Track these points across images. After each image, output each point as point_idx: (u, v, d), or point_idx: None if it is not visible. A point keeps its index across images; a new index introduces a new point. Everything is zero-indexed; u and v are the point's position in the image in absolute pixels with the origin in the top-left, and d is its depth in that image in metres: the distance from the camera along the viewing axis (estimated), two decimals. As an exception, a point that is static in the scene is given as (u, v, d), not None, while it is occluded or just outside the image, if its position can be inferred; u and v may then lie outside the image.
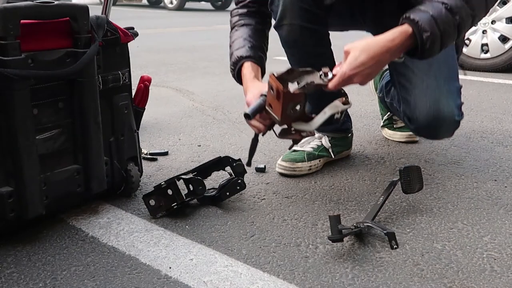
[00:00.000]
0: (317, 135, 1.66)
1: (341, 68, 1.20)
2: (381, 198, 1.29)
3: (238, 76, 1.48)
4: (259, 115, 1.30)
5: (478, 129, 2.09)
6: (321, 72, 1.23)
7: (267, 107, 1.27)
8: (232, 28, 1.55)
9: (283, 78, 1.19)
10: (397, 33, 1.18)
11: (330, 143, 1.65)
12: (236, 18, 1.55)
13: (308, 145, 1.63)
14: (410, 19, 1.17)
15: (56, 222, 1.25)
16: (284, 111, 1.22)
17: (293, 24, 1.42)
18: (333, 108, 1.27)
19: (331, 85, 1.21)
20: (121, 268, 1.06)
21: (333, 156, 1.64)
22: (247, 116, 1.29)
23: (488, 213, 1.33)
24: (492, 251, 1.14)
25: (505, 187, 1.50)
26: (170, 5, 10.64)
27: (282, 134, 1.31)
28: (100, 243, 1.16)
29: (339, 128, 1.68)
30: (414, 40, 1.17)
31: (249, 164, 1.37)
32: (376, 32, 1.26)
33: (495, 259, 1.10)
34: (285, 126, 1.29)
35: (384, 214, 1.32)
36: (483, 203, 1.39)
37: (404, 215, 1.31)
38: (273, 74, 1.20)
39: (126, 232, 1.21)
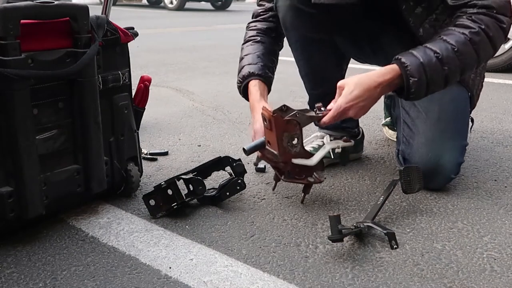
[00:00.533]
0: (319, 133, 1.65)
1: (336, 102, 1.25)
2: (381, 198, 1.29)
3: (244, 91, 1.51)
4: (265, 152, 1.33)
5: (478, 129, 2.09)
6: (315, 108, 1.29)
7: (267, 146, 1.31)
8: (246, 41, 1.58)
9: (276, 113, 1.24)
10: (389, 69, 1.24)
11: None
12: (253, 33, 1.57)
13: (310, 144, 1.61)
14: (401, 61, 1.23)
15: (56, 222, 1.25)
16: (280, 141, 1.25)
17: (287, 4, 1.42)
18: (333, 143, 1.37)
19: (326, 118, 1.26)
20: (121, 268, 1.06)
21: (332, 157, 1.63)
22: (245, 152, 1.33)
23: (488, 213, 1.33)
24: (492, 251, 1.14)
25: (505, 187, 1.50)
26: (170, 5, 10.64)
27: (287, 177, 1.32)
28: (100, 243, 1.16)
29: (339, 126, 1.64)
30: (402, 81, 1.24)
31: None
32: (377, 62, 1.31)
33: (495, 259, 1.10)
34: (287, 166, 1.30)
35: (384, 214, 1.32)
36: (483, 203, 1.39)
37: (404, 215, 1.31)
38: (265, 107, 1.27)
39: (126, 232, 1.21)
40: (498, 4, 1.26)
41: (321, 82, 1.57)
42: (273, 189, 1.43)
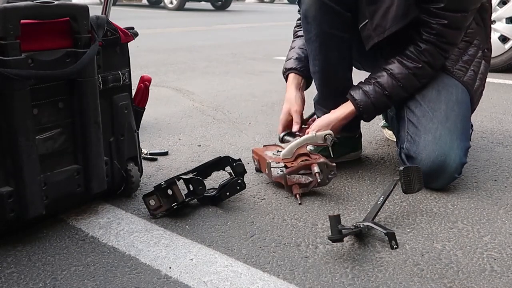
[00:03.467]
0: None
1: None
2: (381, 198, 1.29)
3: (286, 80, 1.71)
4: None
5: (478, 129, 2.09)
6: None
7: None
8: (293, 35, 1.77)
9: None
10: (346, 108, 1.52)
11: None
12: (296, 29, 1.77)
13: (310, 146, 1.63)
14: (355, 101, 1.49)
15: (56, 222, 1.25)
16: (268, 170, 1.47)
17: None
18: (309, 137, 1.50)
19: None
20: (121, 268, 1.06)
21: (331, 155, 1.63)
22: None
23: (488, 213, 1.33)
24: (492, 251, 1.14)
25: (505, 187, 1.50)
26: (170, 5, 10.64)
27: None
28: (100, 243, 1.16)
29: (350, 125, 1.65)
30: (356, 114, 1.52)
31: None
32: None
33: (495, 259, 1.10)
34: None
35: (384, 214, 1.32)
36: (483, 203, 1.39)
37: (404, 215, 1.31)
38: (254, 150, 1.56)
39: (126, 232, 1.21)
40: (450, 34, 1.42)
41: (333, 80, 1.58)
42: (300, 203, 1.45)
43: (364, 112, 1.49)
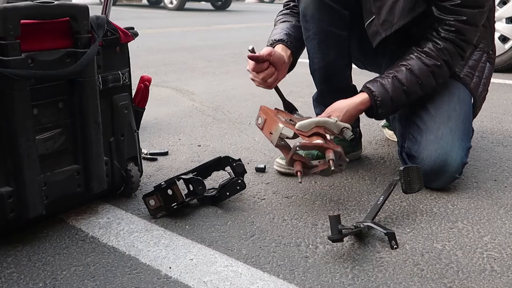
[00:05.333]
0: None
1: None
2: (381, 198, 1.29)
3: None
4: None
5: (478, 129, 2.09)
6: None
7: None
8: (274, 25, 1.67)
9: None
10: (361, 100, 1.43)
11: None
12: (280, 17, 1.68)
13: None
14: (372, 93, 1.42)
15: (56, 222, 1.25)
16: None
17: None
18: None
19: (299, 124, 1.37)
20: (121, 268, 1.06)
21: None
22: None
23: (488, 213, 1.33)
24: (492, 251, 1.14)
25: (505, 187, 1.50)
26: (170, 5, 10.64)
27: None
28: (100, 243, 1.16)
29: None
30: (371, 108, 1.44)
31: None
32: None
33: (495, 259, 1.10)
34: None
35: (384, 214, 1.32)
36: (483, 203, 1.39)
37: (404, 215, 1.31)
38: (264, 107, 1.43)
39: (126, 232, 1.21)
40: (468, 31, 1.40)
41: (332, 78, 1.57)
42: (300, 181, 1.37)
43: (381, 106, 1.42)
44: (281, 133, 1.31)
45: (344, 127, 1.36)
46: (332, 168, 1.28)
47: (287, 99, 1.56)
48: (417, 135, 1.46)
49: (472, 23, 1.39)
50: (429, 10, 1.40)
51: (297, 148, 1.29)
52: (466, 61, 1.54)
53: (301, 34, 1.56)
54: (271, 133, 1.34)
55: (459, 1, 1.35)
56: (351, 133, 1.37)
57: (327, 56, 1.53)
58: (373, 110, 1.44)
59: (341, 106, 1.42)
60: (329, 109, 1.43)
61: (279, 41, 1.54)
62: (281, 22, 1.64)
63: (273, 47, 1.52)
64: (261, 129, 1.40)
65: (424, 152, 1.42)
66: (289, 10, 1.66)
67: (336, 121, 1.37)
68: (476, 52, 1.56)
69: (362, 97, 1.43)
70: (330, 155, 1.28)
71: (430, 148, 1.42)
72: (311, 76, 1.61)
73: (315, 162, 1.34)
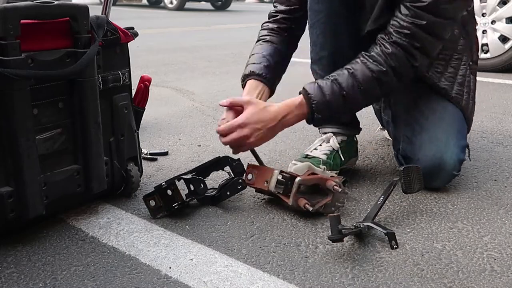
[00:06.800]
0: (324, 136, 1.57)
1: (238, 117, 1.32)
2: (381, 198, 1.29)
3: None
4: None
5: (478, 129, 2.09)
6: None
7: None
8: (258, 40, 1.59)
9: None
10: (296, 105, 1.34)
11: (338, 145, 1.54)
12: (265, 32, 1.58)
13: (320, 151, 1.52)
14: (308, 96, 1.33)
15: (56, 222, 1.25)
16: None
17: None
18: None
19: (221, 127, 1.33)
20: (121, 268, 1.06)
21: (342, 159, 1.54)
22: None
23: (488, 213, 1.33)
24: (492, 251, 1.14)
25: (505, 187, 1.50)
26: (170, 5, 10.64)
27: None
28: (100, 243, 1.16)
29: (338, 120, 1.57)
30: (307, 114, 1.35)
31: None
32: None
33: (495, 259, 1.10)
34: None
35: (384, 214, 1.32)
36: (483, 203, 1.39)
37: (404, 215, 1.31)
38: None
39: (126, 232, 1.21)
40: (425, 40, 1.30)
41: (342, 65, 1.44)
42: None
43: (317, 111, 1.33)
44: (278, 179, 1.29)
45: (336, 185, 1.28)
46: (339, 190, 1.26)
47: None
48: (411, 136, 1.46)
49: (432, 32, 1.29)
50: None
51: (300, 184, 1.26)
52: (454, 77, 1.48)
53: (280, 60, 1.51)
54: (267, 181, 1.32)
55: (425, 3, 1.25)
56: (342, 192, 1.29)
57: (339, 40, 1.46)
58: (309, 114, 1.35)
59: (265, 116, 1.31)
60: (246, 120, 1.30)
61: (254, 75, 1.47)
62: (265, 42, 1.56)
63: (248, 80, 1.48)
64: (253, 184, 1.36)
65: (419, 152, 1.42)
66: (276, 25, 1.57)
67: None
68: (461, 67, 1.50)
69: (297, 100, 1.35)
70: (332, 183, 1.28)
71: (425, 148, 1.41)
72: (312, 76, 1.60)
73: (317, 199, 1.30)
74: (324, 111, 1.34)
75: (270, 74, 1.49)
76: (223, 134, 1.33)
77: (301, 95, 1.35)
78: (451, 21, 1.34)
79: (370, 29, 1.38)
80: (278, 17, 1.58)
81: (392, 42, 1.30)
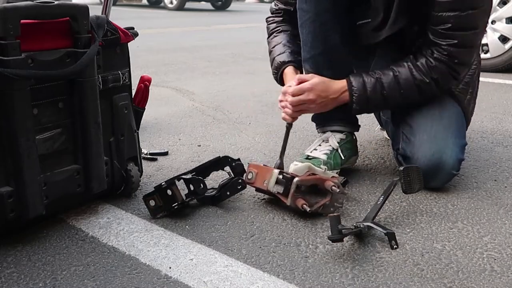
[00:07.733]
0: (323, 135, 1.58)
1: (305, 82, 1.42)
2: (381, 198, 1.29)
3: (280, 80, 1.61)
4: None
5: (478, 129, 2.09)
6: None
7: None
8: (270, 35, 1.68)
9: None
10: (342, 88, 1.43)
11: (338, 143, 1.55)
12: (274, 26, 1.68)
13: (320, 151, 1.53)
14: (351, 85, 1.42)
15: (56, 222, 1.25)
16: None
17: None
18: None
19: (292, 89, 1.42)
20: (121, 268, 1.06)
21: (342, 157, 1.55)
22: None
23: (488, 213, 1.33)
24: (492, 251, 1.14)
25: (505, 187, 1.50)
26: (170, 5, 10.63)
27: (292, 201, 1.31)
28: (100, 243, 1.16)
29: (337, 117, 1.57)
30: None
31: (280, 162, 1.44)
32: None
33: (495, 259, 1.10)
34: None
35: (384, 214, 1.32)
36: (483, 203, 1.39)
37: (404, 215, 1.31)
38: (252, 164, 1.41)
39: (126, 232, 1.21)
40: (461, 54, 1.37)
41: (334, 64, 1.50)
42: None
43: (356, 102, 1.42)
44: (278, 179, 1.30)
45: (334, 185, 1.28)
46: (337, 190, 1.27)
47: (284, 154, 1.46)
48: (410, 135, 1.46)
49: (465, 45, 1.36)
50: (413, 24, 1.40)
51: (298, 184, 1.27)
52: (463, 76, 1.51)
53: (299, 44, 1.54)
54: (265, 181, 1.32)
55: (450, 25, 1.32)
56: (340, 190, 1.29)
57: (329, 39, 1.47)
58: (348, 103, 1.44)
59: (330, 87, 1.43)
60: (315, 86, 1.40)
61: (289, 62, 1.57)
62: (278, 33, 1.64)
63: (284, 69, 1.57)
64: (253, 183, 1.36)
65: (418, 152, 1.42)
66: (281, 18, 1.65)
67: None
68: (473, 66, 1.53)
69: (341, 84, 1.43)
70: (330, 183, 1.28)
71: (424, 147, 1.41)
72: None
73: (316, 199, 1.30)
74: (363, 105, 1.43)
75: (296, 57, 1.57)
76: (293, 94, 1.41)
77: (344, 82, 1.43)
78: (479, 30, 1.37)
79: (387, 35, 1.42)
80: (281, 13, 1.67)
81: (435, 59, 1.38)
